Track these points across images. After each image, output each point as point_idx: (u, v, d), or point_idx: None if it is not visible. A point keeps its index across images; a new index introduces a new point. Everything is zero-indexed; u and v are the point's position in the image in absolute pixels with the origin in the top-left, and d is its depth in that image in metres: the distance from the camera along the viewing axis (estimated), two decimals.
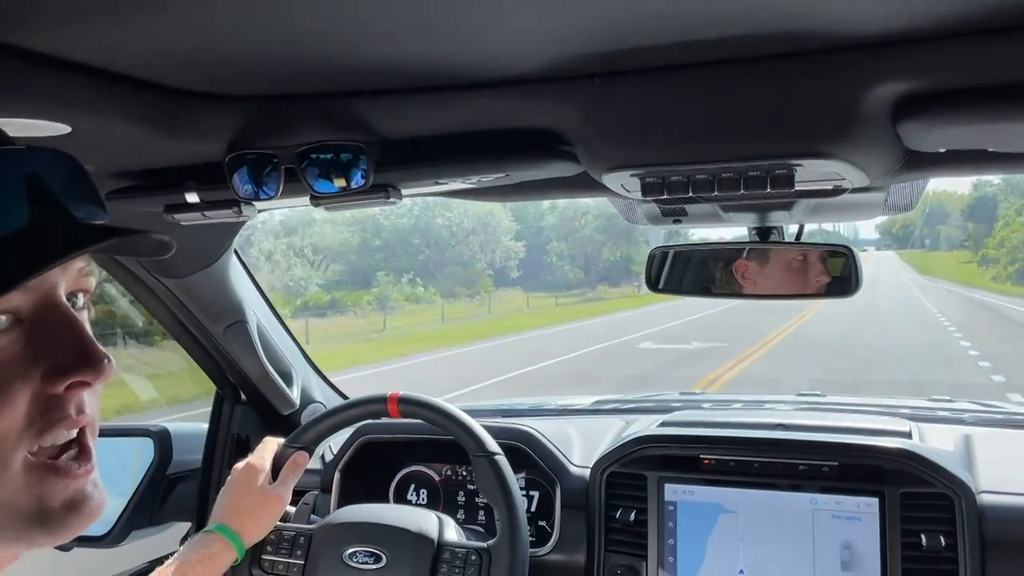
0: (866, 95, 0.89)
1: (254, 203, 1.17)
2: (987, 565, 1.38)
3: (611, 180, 1.10)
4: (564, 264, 51.60)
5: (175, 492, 1.99)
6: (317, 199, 1.11)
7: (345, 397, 2.11)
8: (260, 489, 1.47)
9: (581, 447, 1.76)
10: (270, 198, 1.09)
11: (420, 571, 1.42)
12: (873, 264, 55.26)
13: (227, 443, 1.95)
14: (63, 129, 0.93)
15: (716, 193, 1.03)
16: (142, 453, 2.00)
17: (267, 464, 1.51)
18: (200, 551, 1.35)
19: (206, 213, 1.17)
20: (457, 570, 1.42)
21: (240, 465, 1.51)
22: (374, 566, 1.44)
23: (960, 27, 0.80)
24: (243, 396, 1.93)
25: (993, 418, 1.88)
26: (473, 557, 1.42)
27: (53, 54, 0.82)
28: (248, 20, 0.76)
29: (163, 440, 1.99)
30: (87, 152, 0.75)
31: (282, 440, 1.57)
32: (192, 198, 1.16)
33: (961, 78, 0.87)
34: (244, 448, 1.95)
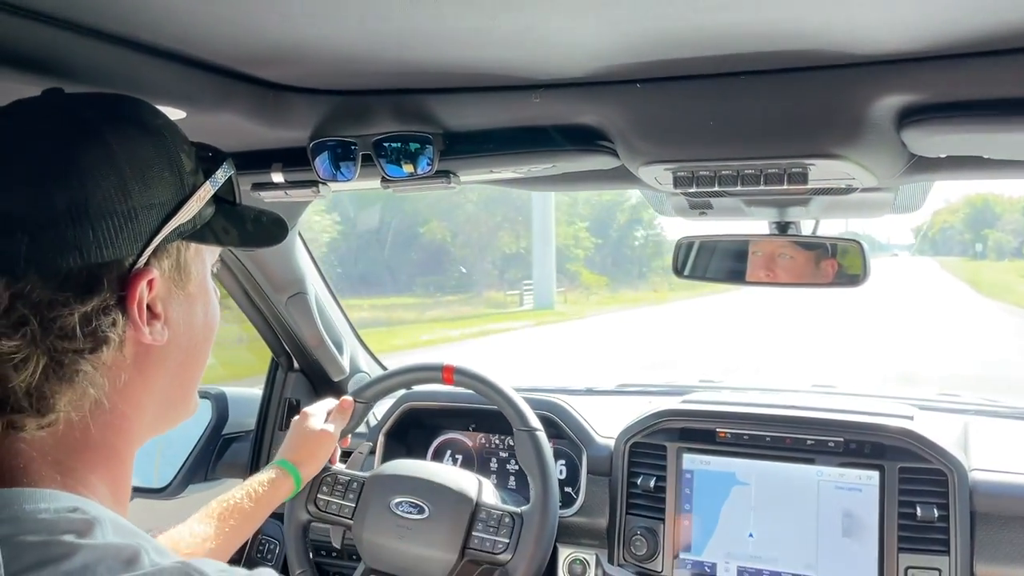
0: (872, 105, 1.03)
1: (330, 184, 1.32)
2: (975, 534, 1.51)
3: (646, 173, 1.24)
4: None
5: (229, 451, 2.17)
6: (387, 182, 1.26)
7: (385, 369, 2.27)
8: (313, 429, 1.62)
9: (606, 420, 1.91)
10: (347, 180, 1.25)
11: (458, 526, 1.58)
12: (907, 274, 41.75)
13: (279, 406, 2.12)
14: (180, 114, 1.08)
15: (739, 187, 1.18)
16: (200, 414, 2.18)
17: (321, 411, 1.67)
18: (263, 478, 1.50)
19: (288, 191, 1.33)
20: (491, 529, 1.57)
21: (299, 416, 1.67)
22: (417, 516, 1.60)
23: (956, 48, 0.93)
24: (296, 364, 2.10)
25: (992, 410, 2.01)
26: (507, 519, 1.57)
27: (175, 49, 0.98)
28: (344, 23, 0.90)
29: (220, 402, 2.17)
30: (195, 135, 0.90)
31: (333, 399, 1.72)
32: (277, 178, 1.31)
33: (958, 92, 1.00)
34: (294, 412, 2.12)
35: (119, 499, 0.75)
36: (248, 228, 0.84)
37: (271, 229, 0.88)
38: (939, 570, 1.51)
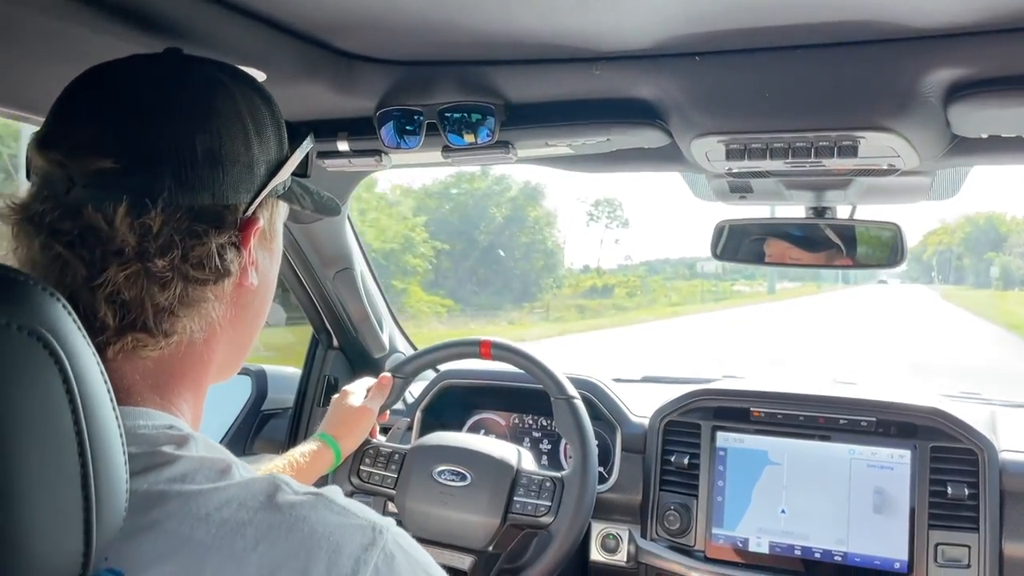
0: (922, 79, 1.08)
1: (391, 155, 1.38)
2: (1004, 513, 1.55)
3: (698, 147, 1.29)
4: None
5: (267, 427, 2.22)
6: (449, 151, 1.32)
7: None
8: (352, 406, 1.67)
9: (639, 402, 1.96)
10: (411, 148, 1.30)
11: (500, 492, 1.62)
12: (897, 310, 35.07)
13: (318, 383, 2.17)
14: (262, 76, 1.14)
15: (790, 159, 1.23)
16: (241, 390, 2.23)
17: (361, 389, 1.72)
18: (305, 450, 1.55)
19: (352, 160, 1.39)
20: (533, 493, 1.62)
21: (339, 394, 1.73)
22: (459, 484, 1.65)
23: (1006, 22, 0.98)
24: (335, 342, 2.15)
25: (1017, 403, 2.05)
26: (548, 484, 1.62)
27: (259, 12, 1.04)
28: None
29: (260, 379, 2.22)
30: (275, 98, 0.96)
31: (372, 378, 1.77)
32: (343, 147, 1.37)
33: (1007, 67, 1.05)
34: (332, 390, 2.17)
35: (196, 427, 0.81)
36: (316, 198, 0.93)
37: (332, 202, 0.97)
38: (968, 547, 1.55)
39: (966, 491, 1.57)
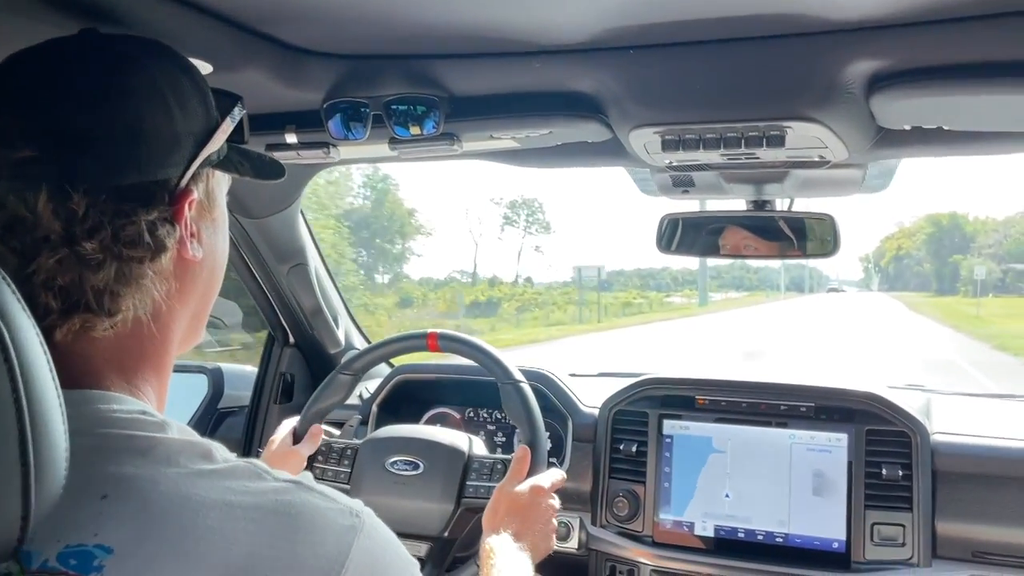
0: (844, 71, 1.14)
1: (340, 147, 1.41)
2: (937, 492, 1.62)
3: (636, 139, 1.34)
4: None
5: (224, 425, 2.24)
6: (395, 143, 1.35)
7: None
8: (279, 453, 1.65)
9: (590, 393, 2.00)
10: (358, 140, 1.33)
11: (453, 477, 1.65)
12: (861, 325, 30.34)
13: (275, 381, 2.18)
14: (208, 68, 1.17)
15: (723, 151, 1.29)
16: (197, 388, 2.24)
17: (283, 433, 1.69)
18: None
19: (300, 152, 1.42)
20: (485, 476, 1.65)
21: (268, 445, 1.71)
22: (412, 472, 1.67)
23: (922, 14, 1.03)
24: (291, 339, 2.17)
25: (953, 391, 2.13)
26: (499, 466, 1.65)
27: (201, 2, 1.06)
28: None
29: (216, 377, 2.24)
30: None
31: (296, 418, 1.74)
32: (291, 139, 1.40)
33: (922, 58, 1.11)
34: (289, 388, 2.19)
35: (161, 412, 0.83)
36: (257, 164, 0.94)
37: (274, 166, 0.98)
38: (903, 526, 1.61)
39: (900, 472, 1.63)
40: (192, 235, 0.81)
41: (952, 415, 1.78)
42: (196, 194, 0.81)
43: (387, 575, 0.75)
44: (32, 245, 0.71)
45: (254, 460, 0.75)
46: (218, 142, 0.84)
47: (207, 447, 0.73)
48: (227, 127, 0.85)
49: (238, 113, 0.88)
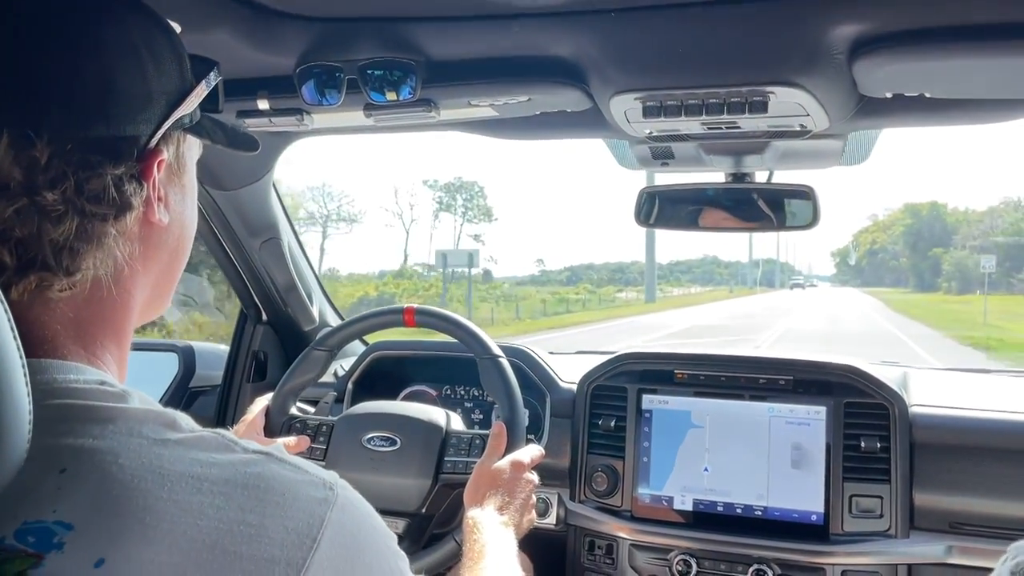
0: (827, 34, 1.12)
1: (314, 114, 1.38)
2: (914, 463, 1.62)
3: (616, 105, 1.32)
4: None
5: (196, 404, 2.20)
6: (371, 108, 1.32)
7: None
8: (244, 436, 1.62)
9: (568, 369, 1.99)
10: (332, 105, 1.30)
11: (430, 453, 1.63)
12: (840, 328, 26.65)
13: (247, 359, 2.15)
14: (176, 28, 1.13)
15: (704, 118, 1.27)
16: (167, 367, 2.20)
17: (256, 411, 1.67)
18: None
19: (273, 119, 1.38)
20: (463, 452, 1.63)
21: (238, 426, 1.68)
22: (389, 448, 1.65)
23: None
24: (264, 316, 2.13)
25: (929, 367, 2.14)
26: (477, 441, 1.63)
27: None
28: None
29: (187, 356, 2.20)
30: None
31: (269, 396, 1.73)
32: (263, 105, 1.36)
33: (904, 22, 1.10)
34: (262, 366, 2.16)
35: (122, 379, 0.80)
36: (231, 133, 0.91)
37: (248, 138, 0.95)
38: (881, 497, 1.61)
39: (878, 444, 1.63)
40: (159, 199, 0.78)
41: (930, 387, 1.78)
42: (165, 155, 0.78)
43: (363, 548, 0.72)
44: None
45: (221, 430, 0.71)
46: (191, 104, 0.81)
47: (171, 416, 0.70)
48: (201, 91, 0.82)
49: (213, 78, 0.85)
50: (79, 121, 0.70)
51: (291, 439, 1.67)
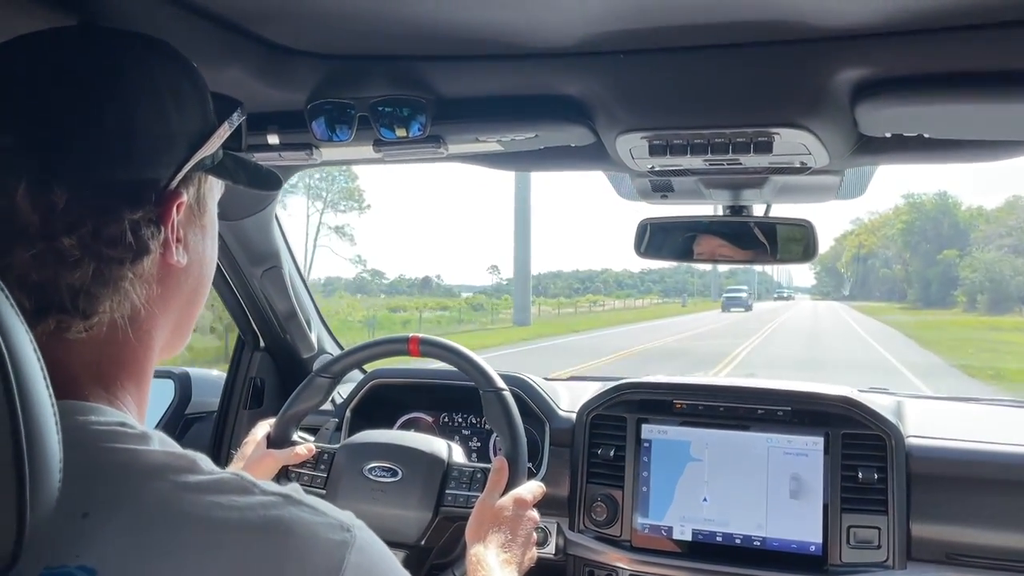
0: (832, 78, 1.15)
1: (323, 149, 1.39)
2: (912, 495, 1.64)
3: (622, 144, 1.34)
4: None
5: (191, 431, 2.19)
6: (381, 145, 1.34)
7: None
8: (256, 456, 1.63)
9: (567, 397, 2.00)
10: (343, 142, 1.31)
11: (431, 485, 1.63)
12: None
13: (244, 386, 2.14)
14: None
15: (709, 156, 1.29)
16: (163, 393, 2.19)
17: (258, 436, 1.67)
18: None
19: (282, 154, 1.39)
20: (464, 485, 1.63)
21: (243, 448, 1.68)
22: (390, 479, 1.65)
23: (909, 23, 1.05)
24: (262, 343, 2.13)
25: (922, 395, 2.17)
26: (479, 475, 1.64)
27: (189, 1, 1.04)
28: None
29: (183, 382, 2.19)
30: None
31: (271, 421, 1.73)
32: (273, 140, 1.37)
33: (908, 67, 1.12)
34: (259, 393, 2.15)
35: (141, 420, 0.80)
36: (253, 172, 0.91)
37: (271, 177, 0.95)
38: (879, 528, 1.63)
39: (875, 475, 1.65)
40: (178, 240, 0.78)
41: (925, 417, 1.81)
42: (186, 197, 0.78)
43: None
44: (7, 238, 0.68)
45: (241, 472, 0.72)
46: (213, 146, 0.81)
47: (191, 459, 0.70)
48: (224, 132, 0.83)
49: (237, 118, 0.86)
50: (98, 165, 0.71)
51: (300, 449, 1.68)
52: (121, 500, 0.66)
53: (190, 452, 0.72)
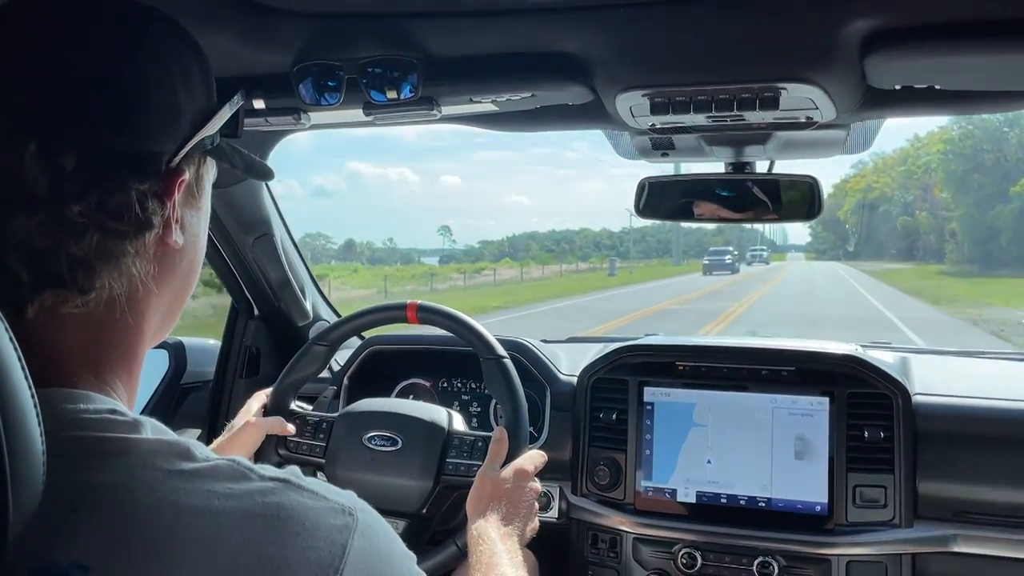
0: (841, 30, 1.10)
1: (311, 113, 1.34)
2: (918, 453, 1.62)
3: (622, 102, 1.29)
4: None
5: (188, 400, 2.16)
6: (371, 108, 1.29)
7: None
8: (238, 422, 1.60)
9: (568, 361, 1.97)
10: (331, 105, 1.26)
11: (432, 454, 1.61)
12: None
13: (239, 355, 2.11)
14: None
15: (712, 113, 1.24)
16: (157, 364, 2.16)
17: (255, 407, 1.65)
18: None
19: (269, 119, 1.34)
20: (465, 454, 1.61)
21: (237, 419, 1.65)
22: (390, 448, 1.63)
23: None
24: (256, 311, 2.10)
25: (925, 349, 2.15)
26: (480, 444, 1.61)
27: None
28: None
29: (177, 352, 2.16)
30: None
31: (268, 391, 1.70)
32: (259, 104, 1.32)
33: (919, 16, 1.08)
34: (255, 361, 2.12)
35: (132, 407, 0.77)
36: (248, 160, 0.88)
37: (264, 167, 0.93)
38: (884, 487, 1.62)
39: (882, 434, 1.63)
40: (177, 220, 0.75)
41: (931, 374, 1.79)
42: (187, 175, 0.75)
43: (386, 573, 0.70)
44: (11, 201, 0.65)
45: (237, 458, 0.69)
46: (215, 125, 0.78)
47: (185, 446, 0.67)
48: (225, 113, 0.80)
49: (237, 100, 0.82)
50: (108, 132, 0.68)
51: (290, 426, 1.66)
52: (112, 492, 0.63)
53: (184, 439, 0.69)
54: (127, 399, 0.75)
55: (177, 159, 0.73)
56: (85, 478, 0.63)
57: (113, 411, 0.68)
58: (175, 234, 0.75)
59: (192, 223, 0.79)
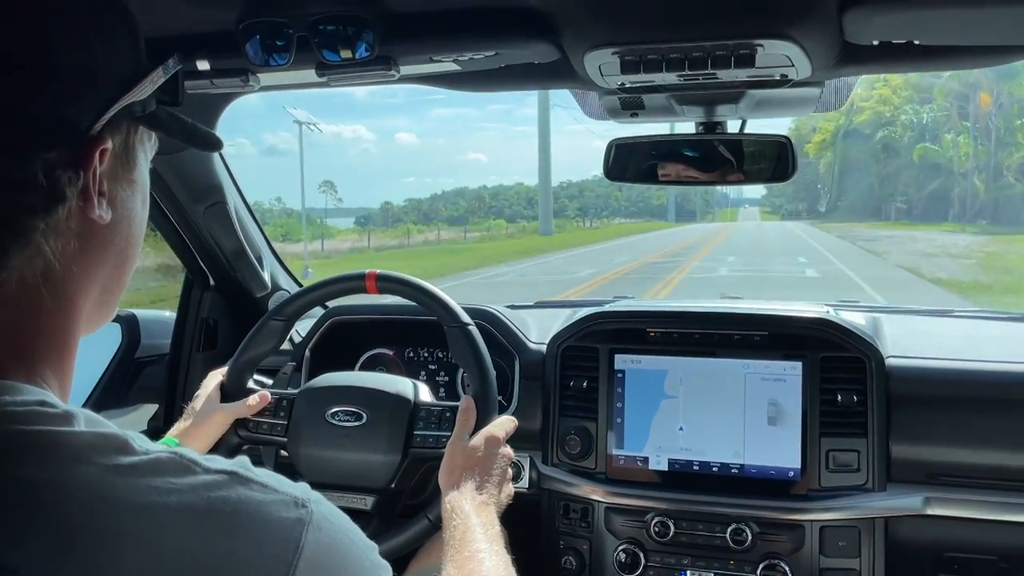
0: None
1: (260, 75, 1.26)
2: (891, 417, 1.61)
3: (591, 60, 1.23)
4: None
5: (143, 375, 2.08)
6: (324, 69, 1.21)
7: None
8: (206, 412, 1.54)
9: (537, 328, 1.92)
10: (281, 65, 1.18)
11: (398, 427, 1.56)
12: None
13: (196, 327, 2.04)
14: None
15: (685, 72, 1.18)
16: (109, 338, 2.07)
17: (210, 387, 1.58)
18: None
19: (214, 81, 1.26)
20: (433, 425, 1.56)
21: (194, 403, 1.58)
22: (355, 424, 1.57)
23: None
24: (212, 282, 2.02)
25: (896, 308, 2.13)
26: (448, 414, 1.56)
27: None
28: None
29: (131, 325, 2.07)
30: None
31: (224, 369, 1.63)
32: (203, 65, 1.24)
33: None
34: (212, 333, 2.05)
35: (65, 398, 0.71)
36: (190, 129, 0.81)
37: (209, 136, 0.86)
38: (858, 451, 1.60)
39: (855, 398, 1.61)
40: (101, 193, 0.68)
41: (903, 335, 1.77)
42: (110, 144, 0.69)
43: (344, 566, 0.66)
44: None
45: (180, 450, 0.64)
46: (144, 91, 0.71)
47: (122, 439, 0.62)
48: (157, 77, 0.73)
49: (173, 64, 0.75)
50: (8, 96, 0.62)
51: (253, 399, 1.59)
52: (43, 490, 0.58)
53: (121, 431, 0.64)
54: (59, 389, 0.69)
55: (97, 127, 0.67)
56: (11, 475, 0.58)
57: (42, 403, 0.62)
58: (99, 208, 0.68)
59: (124, 197, 0.72)
